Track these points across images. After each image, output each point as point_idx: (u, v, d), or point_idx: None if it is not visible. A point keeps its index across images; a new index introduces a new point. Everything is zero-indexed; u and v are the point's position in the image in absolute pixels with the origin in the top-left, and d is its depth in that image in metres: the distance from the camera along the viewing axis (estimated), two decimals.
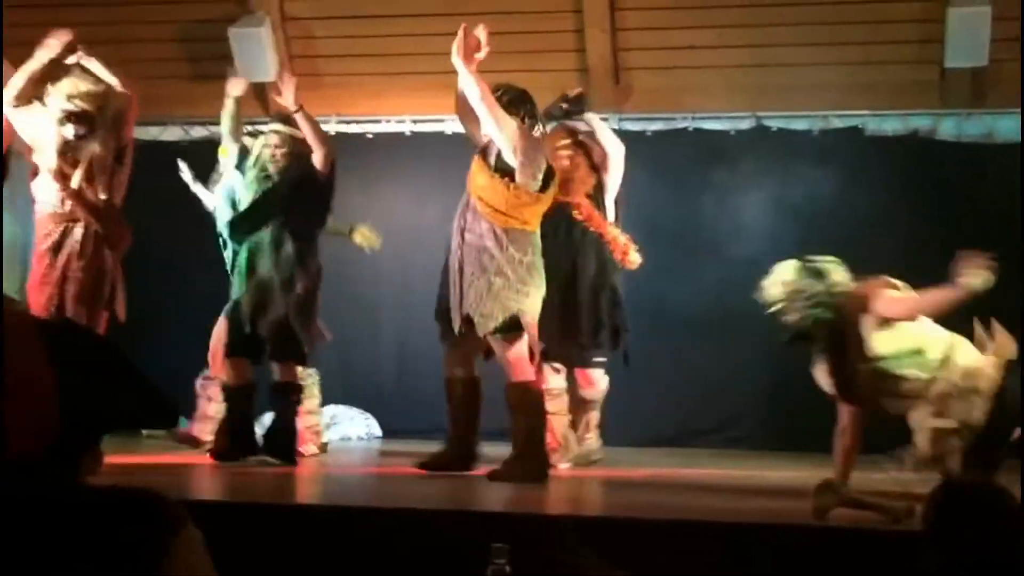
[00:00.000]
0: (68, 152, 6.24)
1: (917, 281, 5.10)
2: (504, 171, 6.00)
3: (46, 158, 6.24)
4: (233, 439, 6.68)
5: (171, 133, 9.38)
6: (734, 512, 4.99)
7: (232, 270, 6.88)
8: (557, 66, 9.05)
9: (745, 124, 8.88)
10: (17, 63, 6.24)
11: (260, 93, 9.31)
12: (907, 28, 8.60)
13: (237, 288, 6.78)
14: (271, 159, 6.74)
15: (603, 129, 6.89)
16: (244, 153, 6.90)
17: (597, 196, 6.79)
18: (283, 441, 6.64)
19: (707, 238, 8.60)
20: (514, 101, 6.11)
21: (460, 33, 5.82)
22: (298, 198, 6.66)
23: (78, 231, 6.22)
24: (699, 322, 8.32)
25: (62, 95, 6.21)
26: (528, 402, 5.95)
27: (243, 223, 6.77)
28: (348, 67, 9.27)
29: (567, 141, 6.75)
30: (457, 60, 5.80)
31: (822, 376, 5.22)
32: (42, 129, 6.27)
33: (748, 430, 8.50)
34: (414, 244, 8.50)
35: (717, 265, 8.28)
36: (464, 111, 6.15)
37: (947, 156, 8.52)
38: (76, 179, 6.18)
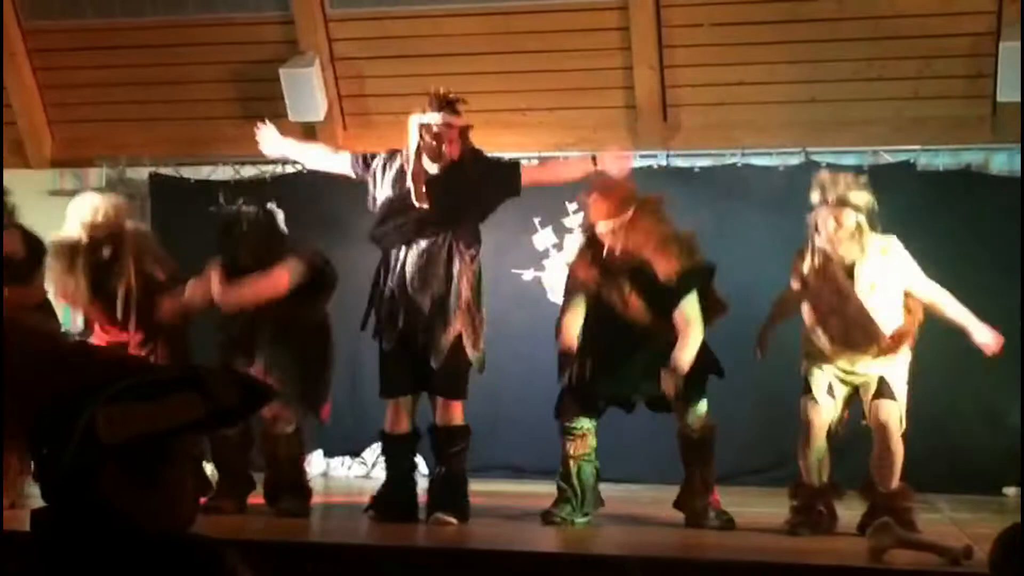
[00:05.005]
0: None
1: None
2: None
3: None
4: None
5: (222, 172, 9.45)
6: (792, 552, 4.94)
7: None
8: (606, 103, 9.07)
9: (795, 159, 8.84)
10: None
11: (311, 133, 9.40)
12: (958, 63, 8.55)
13: None
14: None
15: None
16: None
17: None
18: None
19: (756, 274, 8.52)
20: None
21: None
22: None
23: None
24: (748, 360, 8.23)
25: None
26: None
27: None
28: (398, 106, 9.30)
29: None
30: None
31: None
32: None
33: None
34: None
35: (767, 302, 8.20)
36: None
37: (1000, 190, 8.41)
38: None
